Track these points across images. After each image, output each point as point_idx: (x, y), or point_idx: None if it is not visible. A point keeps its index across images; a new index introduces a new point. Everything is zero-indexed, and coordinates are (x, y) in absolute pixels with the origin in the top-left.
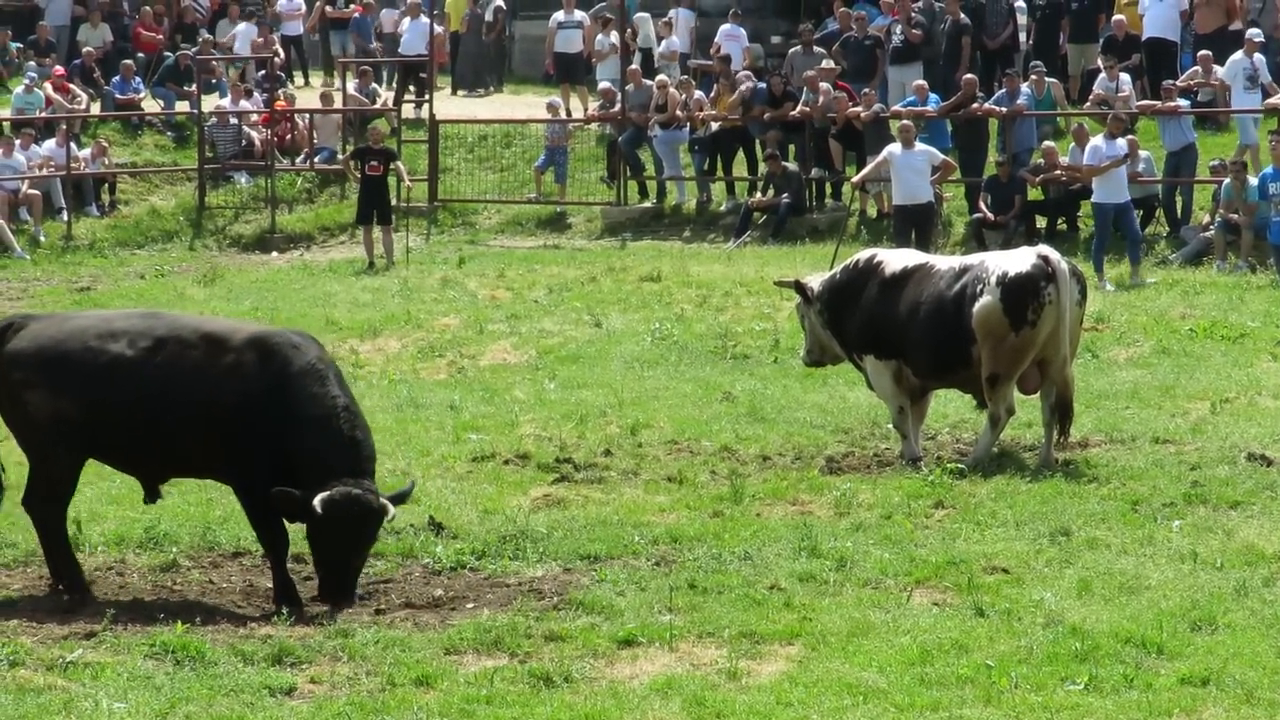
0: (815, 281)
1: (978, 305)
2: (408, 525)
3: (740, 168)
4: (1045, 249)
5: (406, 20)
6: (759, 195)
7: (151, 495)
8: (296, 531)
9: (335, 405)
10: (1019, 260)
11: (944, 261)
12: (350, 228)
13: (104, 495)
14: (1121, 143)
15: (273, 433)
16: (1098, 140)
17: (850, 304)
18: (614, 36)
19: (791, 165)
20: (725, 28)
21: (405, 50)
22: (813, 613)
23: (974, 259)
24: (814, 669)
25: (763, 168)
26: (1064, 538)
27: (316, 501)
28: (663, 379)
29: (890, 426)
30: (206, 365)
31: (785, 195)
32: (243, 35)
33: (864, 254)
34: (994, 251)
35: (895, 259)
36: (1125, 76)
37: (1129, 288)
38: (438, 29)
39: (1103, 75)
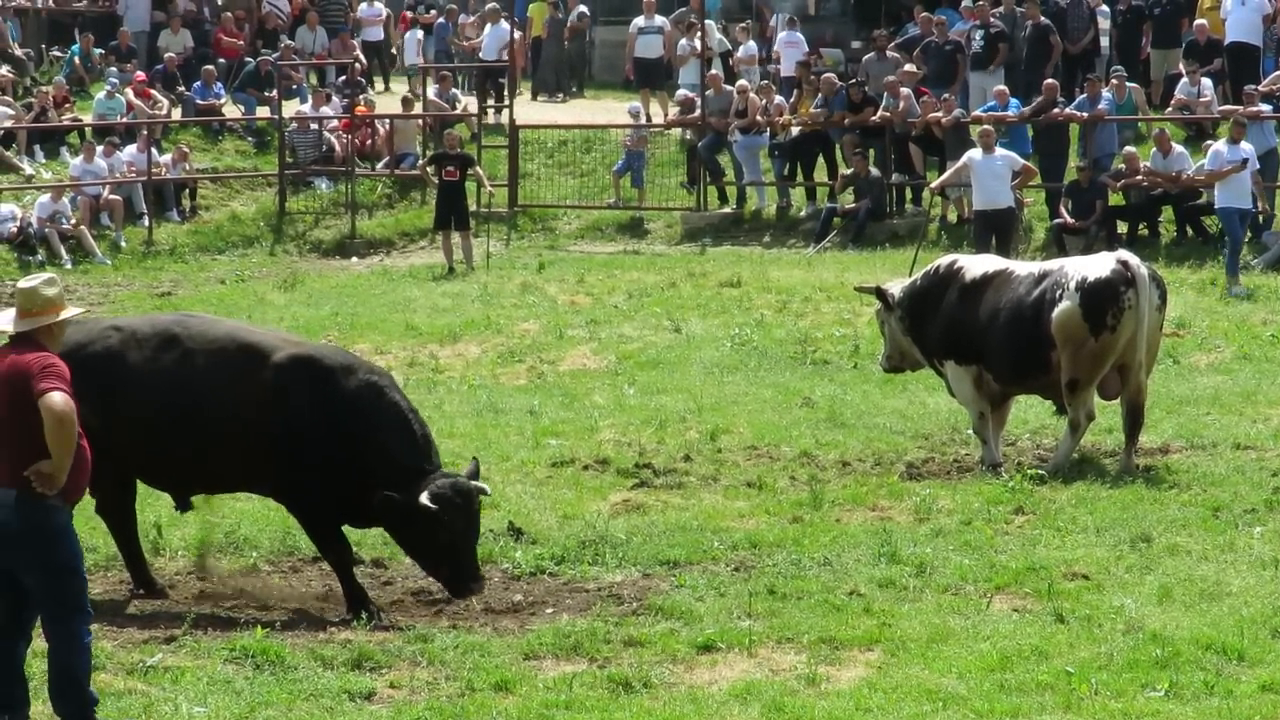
0: (896, 288)
1: (1057, 310)
2: (487, 530)
3: (820, 173)
4: (1125, 254)
5: (487, 26)
6: (842, 202)
7: (183, 505)
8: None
9: (404, 409)
10: (1099, 265)
11: (1023, 267)
12: (430, 233)
13: None
14: (1246, 146)
15: (340, 447)
16: (1220, 145)
17: (930, 310)
18: (697, 41)
19: (872, 170)
20: (783, 34)
21: (485, 56)
22: (892, 619)
23: (1053, 264)
24: (893, 675)
25: (844, 168)
26: (1144, 544)
27: (427, 500)
28: (742, 384)
29: (970, 432)
30: (240, 379)
31: (866, 200)
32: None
33: (944, 260)
34: (1073, 256)
35: (975, 264)
36: (1207, 81)
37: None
38: (518, 34)
39: (1184, 80)
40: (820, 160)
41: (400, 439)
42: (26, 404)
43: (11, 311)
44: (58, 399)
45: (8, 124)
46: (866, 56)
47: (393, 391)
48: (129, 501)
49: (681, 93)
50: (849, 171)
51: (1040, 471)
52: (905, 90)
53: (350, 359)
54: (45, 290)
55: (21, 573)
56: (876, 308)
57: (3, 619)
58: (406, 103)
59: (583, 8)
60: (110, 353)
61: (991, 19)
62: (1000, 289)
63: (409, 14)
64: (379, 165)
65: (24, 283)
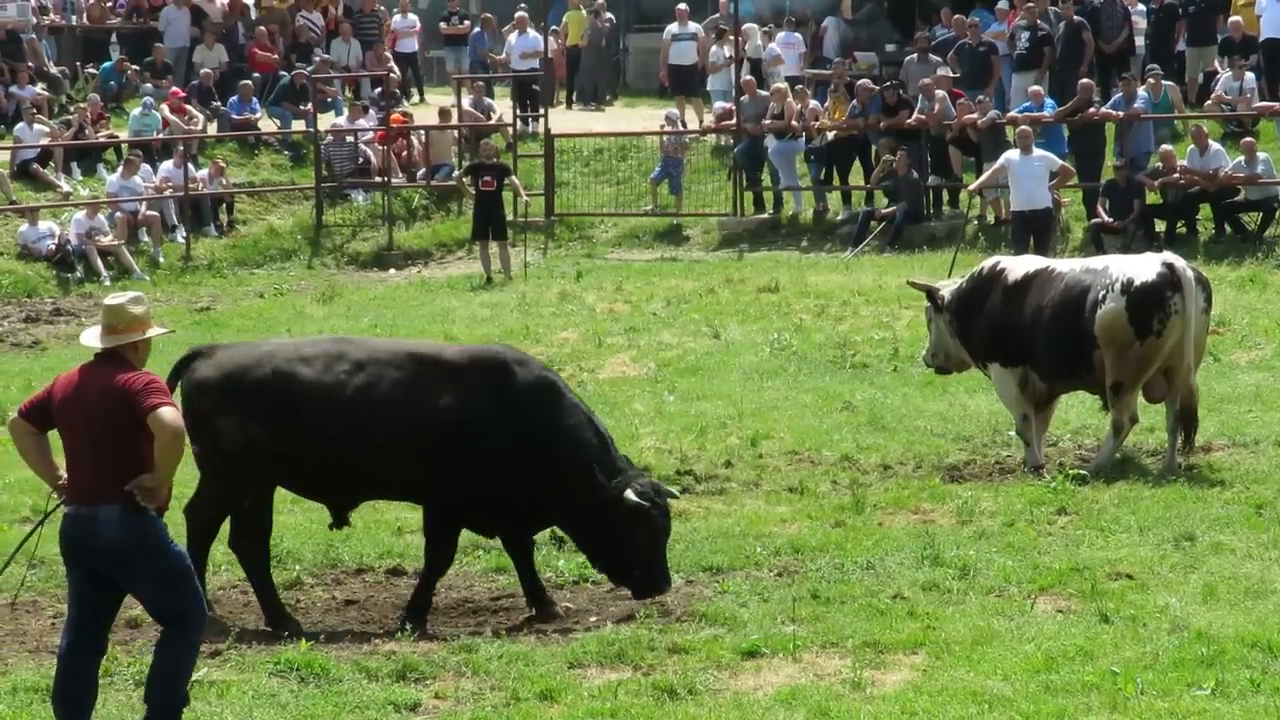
0: (947, 290)
1: (1101, 312)
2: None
3: (856, 177)
4: (1170, 256)
5: (513, 35)
6: (880, 204)
7: (340, 521)
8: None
9: (581, 409)
10: (1145, 268)
11: (1067, 264)
12: (467, 243)
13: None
14: None
15: (513, 448)
16: None
17: (975, 312)
18: (727, 49)
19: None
20: (781, 35)
21: (518, 65)
22: (936, 621)
23: (1097, 262)
24: (938, 678)
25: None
26: (1188, 543)
27: (634, 499)
28: (782, 389)
29: (1013, 433)
30: (419, 387)
31: (903, 202)
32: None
33: (988, 262)
34: (1117, 255)
35: (1018, 265)
36: (1250, 76)
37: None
38: (554, 44)
39: (1228, 75)
40: (856, 164)
41: (589, 436)
42: (125, 421)
43: (97, 328)
44: (170, 414)
45: (44, 141)
46: (907, 58)
47: (568, 391)
48: (268, 527)
49: (719, 105)
50: (887, 159)
51: (1083, 472)
52: (940, 92)
53: (524, 355)
54: (132, 308)
55: (132, 585)
56: (925, 305)
57: (85, 636)
58: (443, 114)
59: (609, 15)
60: (280, 372)
61: (1039, 21)
62: (1044, 288)
63: (444, 25)
64: (416, 176)
65: (111, 300)
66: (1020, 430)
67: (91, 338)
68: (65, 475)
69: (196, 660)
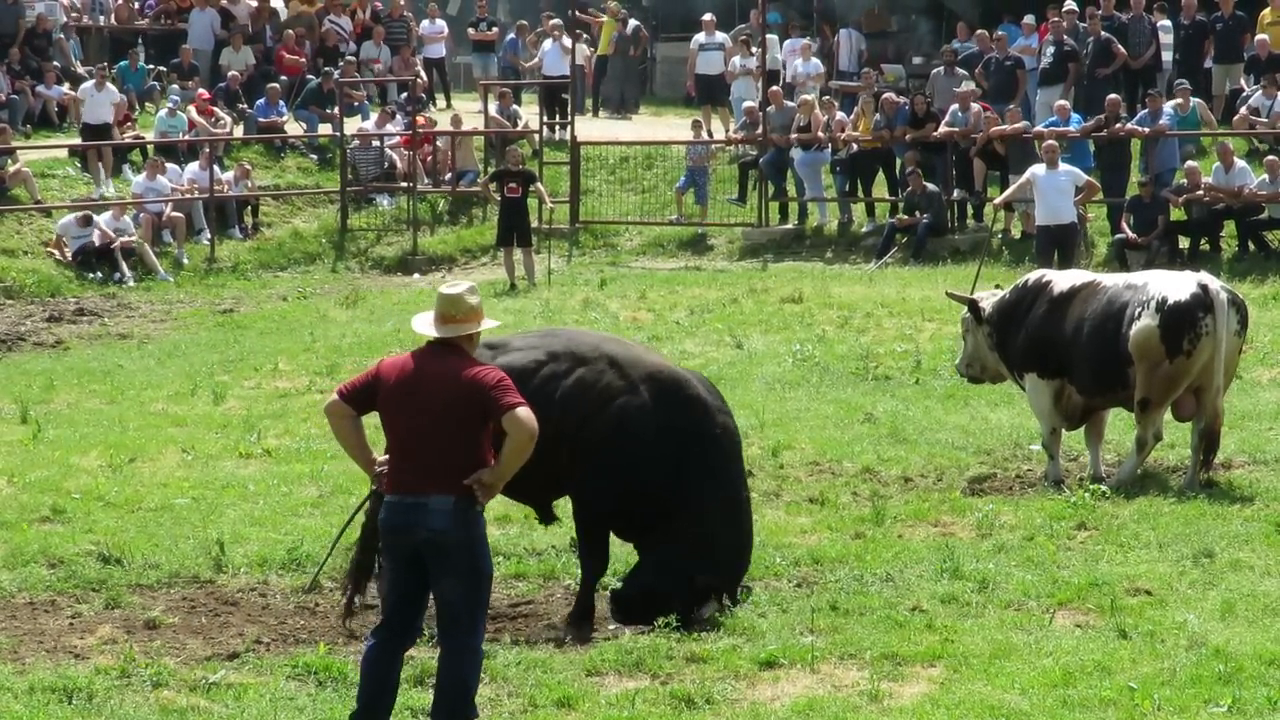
0: (988, 302)
1: (1136, 328)
2: (549, 546)
3: (880, 188)
4: (1205, 277)
5: (548, 42)
6: (901, 215)
7: (548, 517)
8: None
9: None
10: (1180, 287)
11: (1111, 278)
12: (491, 250)
13: (247, 517)
14: None
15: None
16: None
17: (1017, 322)
18: (752, 61)
19: (932, 186)
20: (789, 42)
21: (547, 73)
22: (955, 634)
23: (1139, 278)
24: (956, 691)
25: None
26: (1207, 559)
27: None
28: (804, 400)
29: (1036, 447)
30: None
31: (925, 216)
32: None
33: (1033, 274)
34: (1159, 271)
35: (1063, 278)
36: None
37: None
38: (585, 51)
39: (1260, 93)
40: (881, 176)
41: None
42: (470, 413)
43: (429, 315)
44: (527, 414)
45: (73, 142)
46: (934, 71)
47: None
48: None
49: (747, 104)
50: (908, 190)
51: (1103, 488)
52: (975, 106)
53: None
54: (469, 299)
55: (448, 577)
56: (963, 314)
57: (398, 624)
58: (455, 121)
59: (635, 22)
60: (513, 369)
61: (1065, 37)
62: (1086, 301)
63: (471, 31)
64: (443, 180)
65: (447, 289)
66: (1047, 443)
67: (425, 326)
68: (383, 461)
69: (482, 665)
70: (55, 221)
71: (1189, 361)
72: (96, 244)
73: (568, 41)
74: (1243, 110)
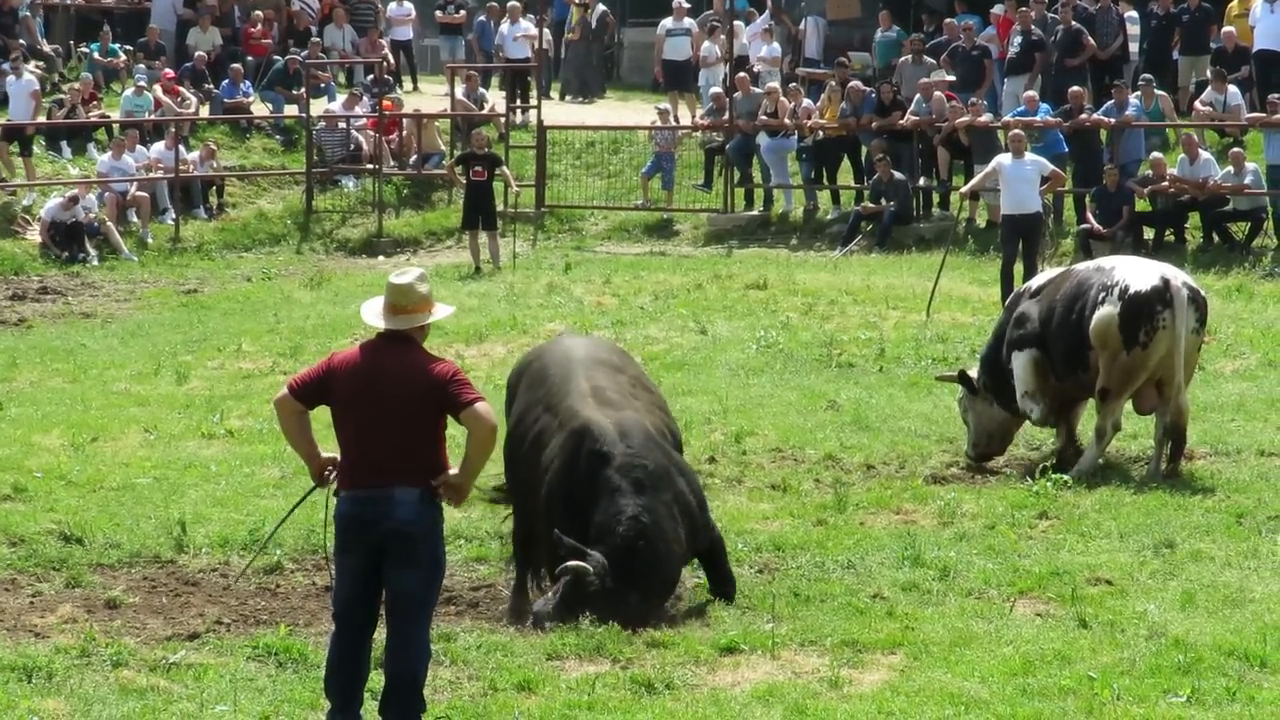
0: (974, 370)
1: (1098, 314)
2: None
3: (846, 176)
4: (1169, 271)
5: (506, 24)
6: (867, 203)
7: None
8: None
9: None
10: (1142, 277)
11: (1083, 265)
12: (456, 233)
13: (209, 497)
14: None
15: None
16: None
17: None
18: (718, 47)
19: (899, 174)
20: (749, 26)
21: (510, 56)
22: (915, 622)
23: (1109, 262)
24: (916, 678)
25: (874, 164)
26: (1168, 550)
27: None
28: (768, 387)
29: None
30: None
31: (891, 204)
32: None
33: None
34: (1130, 258)
35: (1039, 277)
36: (1234, 89)
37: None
38: (549, 36)
39: (1209, 89)
40: (846, 163)
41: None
42: (427, 407)
43: (377, 304)
44: (487, 409)
45: (39, 119)
46: (901, 60)
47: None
48: None
49: (715, 90)
50: (874, 178)
51: (1065, 477)
52: (938, 94)
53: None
54: (419, 287)
55: (410, 569)
56: (958, 396)
57: (356, 614)
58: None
59: (602, 7)
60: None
61: (1032, 27)
62: (1060, 283)
63: (439, 14)
64: (409, 163)
65: (396, 278)
66: (1042, 418)
67: (375, 317)
68: (334, 456)
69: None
70: (41, 207)
71: (1145, 354)
72: (67, 223)
73: (527, 25)
74: (1199, 105)
